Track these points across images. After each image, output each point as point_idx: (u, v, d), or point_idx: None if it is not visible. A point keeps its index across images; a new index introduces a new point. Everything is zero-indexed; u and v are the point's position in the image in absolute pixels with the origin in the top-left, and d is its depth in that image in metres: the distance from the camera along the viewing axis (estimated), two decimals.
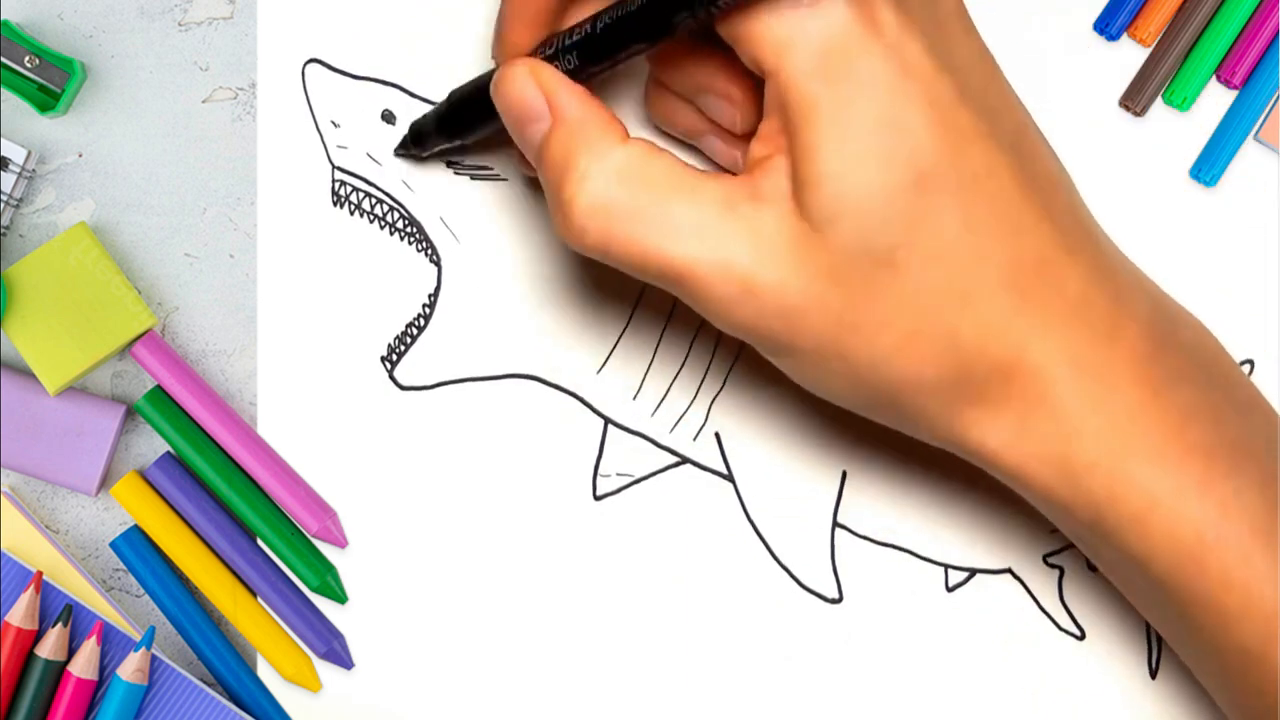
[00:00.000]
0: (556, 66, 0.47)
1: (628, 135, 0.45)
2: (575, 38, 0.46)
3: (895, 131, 0.43)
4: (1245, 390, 0.48)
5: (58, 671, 0.53)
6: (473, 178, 0.55)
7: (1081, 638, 0.55)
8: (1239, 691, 0.48)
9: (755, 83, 0.48)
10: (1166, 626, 0.49)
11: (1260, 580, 0.46)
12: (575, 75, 0.47)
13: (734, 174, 0.46)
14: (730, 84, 0.49)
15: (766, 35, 0.44)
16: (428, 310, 0.55)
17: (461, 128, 0.52)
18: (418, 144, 0.54)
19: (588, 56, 0.46)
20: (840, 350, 0.45)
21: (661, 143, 0.54)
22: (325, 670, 0.56)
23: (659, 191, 0.44)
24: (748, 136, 0.49)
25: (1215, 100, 0.55)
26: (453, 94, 0.52)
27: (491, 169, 0.55)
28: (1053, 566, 0.55)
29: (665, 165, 0.45)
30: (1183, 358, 0.47)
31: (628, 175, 0.45)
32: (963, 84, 0.44)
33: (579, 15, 0.48)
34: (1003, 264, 0.45)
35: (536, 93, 0.46)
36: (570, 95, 0.46)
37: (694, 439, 0.55)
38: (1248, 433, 0.47)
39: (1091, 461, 0.46)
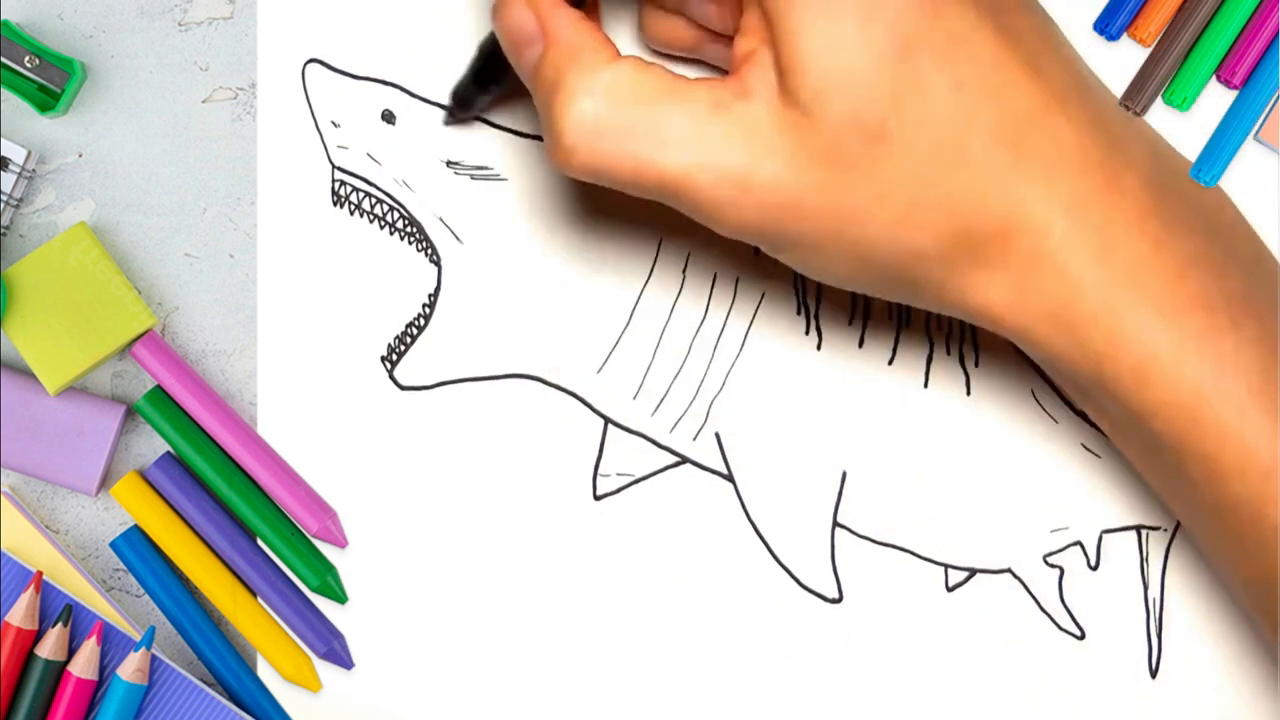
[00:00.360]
0: None
1: (618, 54, 0.46)
2: None
3: (872, 1, 0.43)
4: (1249, 245, 0.49)
5: (58, 671, 0.53)
6: (473, 178, 0.55)
7: (1081, 638, 0.55)
8: (1232, 550, 0.48)
9: None
10: (1165, 484, 0.49)
11: (1256, 436, 0.46)
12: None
13: None
14: None
15: None
16: (428, 310, 0.55)
17: (496, 74, 0.52)
18: (462, 107, 0.54)
19: None
20: (842, 233, 0.45)
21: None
22: (325, 670, 0.56)
23: (649, 104, 0.45)
24: None
25: (1215, 100, 0.55)
26: (481, 45, 0.52)
27: (492, 169, 0.55)
28: (1053, 566, 0.55)
29: (654, 78, 0.45)
30: (1184, 206, 0.47)
31: (617, 92, 0.45)
32: None
33: None
34: (993, 121, 0.45)
35: (530, 17, 0.47)
36: (562, 17, 0.46)
37: (694, 439, 0.55)
38: (1249, 287, 0.47)
39: (1092, 314, 0.46)
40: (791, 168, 0.44)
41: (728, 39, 0.51)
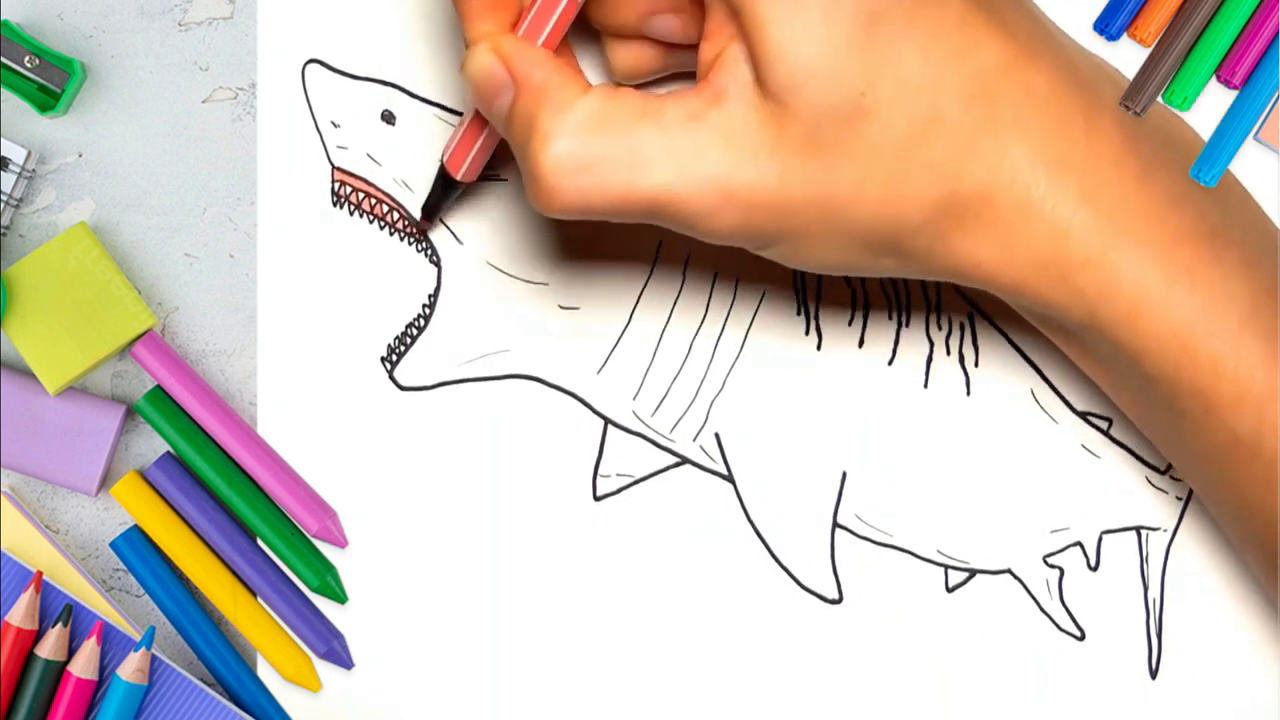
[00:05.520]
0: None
1: (589, 86, 0.46)
2: None
3: None
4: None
5: (58, 671, 0.53)
6: None
7: (1081, 638, 0.55)
8: (1225, 485, 0.48)
9: None
10: (1157, 425, 0.49)
11: (1251, 367, 0.46)
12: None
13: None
14: None
15: None
16: (428, 310, 0.55)
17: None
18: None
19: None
20: (828, 220, 0.45)
21: None
22: (325, 670, 0.56)
23: (622, 130, 0.45)
24: None
25: (1215, 100, 0.55)
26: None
27: (492, 169, 0.55)
28: (1053, 566, 0.55)
29: (625, 103, 0.45)
30: (1157, 143, 0.48)
31: (590, 124, 0.45)
32: None
33: None
34: (965, 81, 0.45)
35: (497, 65, 0.47)
36: (531, 60, 0.46)
37: (694, 439, 0.55)
38: (1227, 216, 0.48)
39: (1082, 259, 0.46)
40: (772, 165, 0.45)
41: (692, 47, 0.51)
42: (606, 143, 0.45)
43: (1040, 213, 0.46)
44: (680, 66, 0.52)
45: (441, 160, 0.53)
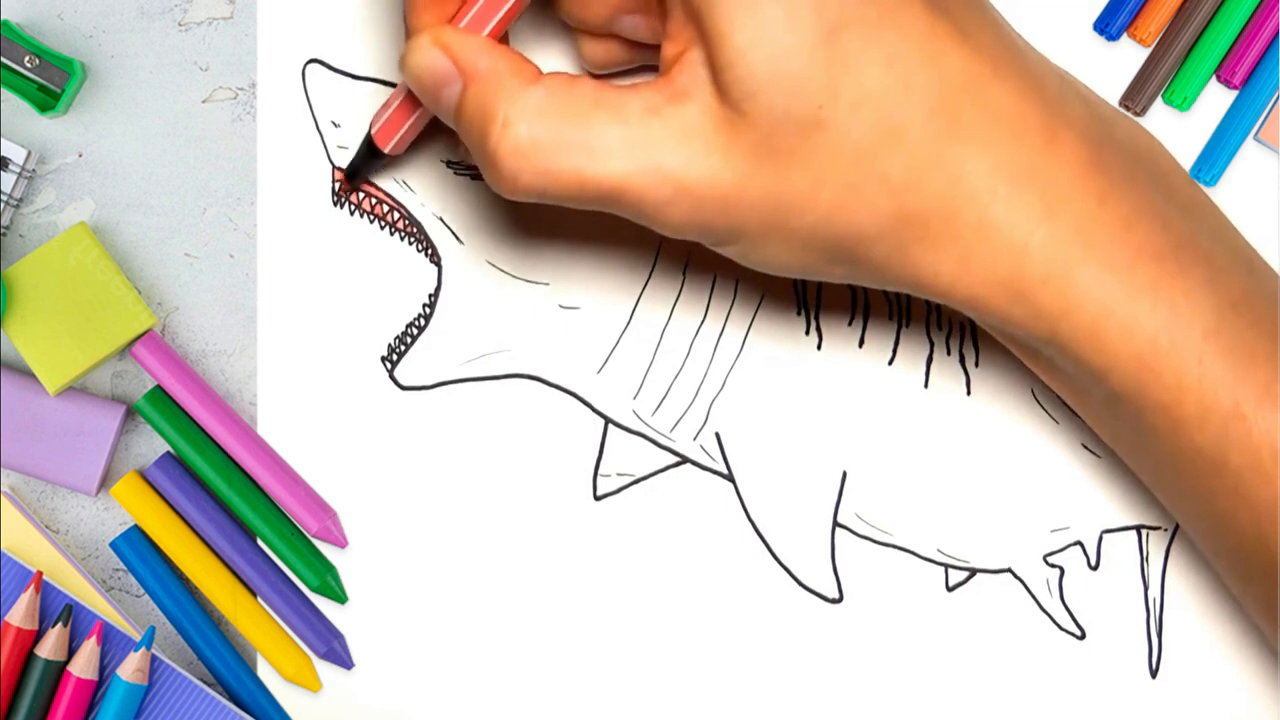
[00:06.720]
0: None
1: (540, 73, 0.46)
2: None
3: None
4: (1187, 189, 0.49)
5: (58, 671, 0.53)
6: (473, 178, 0.55)
7: (1081, 638, 0.55)
8: (1193, 499, 0.48)
9: None
10: (1123, 439, 0.49)
11: (1215, 383, 0.46)
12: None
13: None
14: None
15: None
16: (428, 310, 0.55)
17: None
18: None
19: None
20: (781, 223, 0.45)
21: None
22: (325, 670, 0.56)
23: (580, 118, 0.45)
24: None
25: (1215, 100, 0.55)
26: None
27: None
28: (1053, 566, 0.55)
29: (584, 91, 0.45)
30: (1122, 158, 0.47)
31: (547, 110, 0.45)
32: None
33: None
34: (927, 92, 0.45)
35: (440, 57, 0.47)
36: (477, 49, 0.46)
37: (694, 439, 0.55)
38: (1193, 231, 0.47)
39: (1043, 277, 0.46)
40: (727, 164, 0.45)
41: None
42: (565, 128, 0.45)
43: (999, 229, 0.45)
44: (650, 60, 0.52)
45: (370, 130, 0.52)
